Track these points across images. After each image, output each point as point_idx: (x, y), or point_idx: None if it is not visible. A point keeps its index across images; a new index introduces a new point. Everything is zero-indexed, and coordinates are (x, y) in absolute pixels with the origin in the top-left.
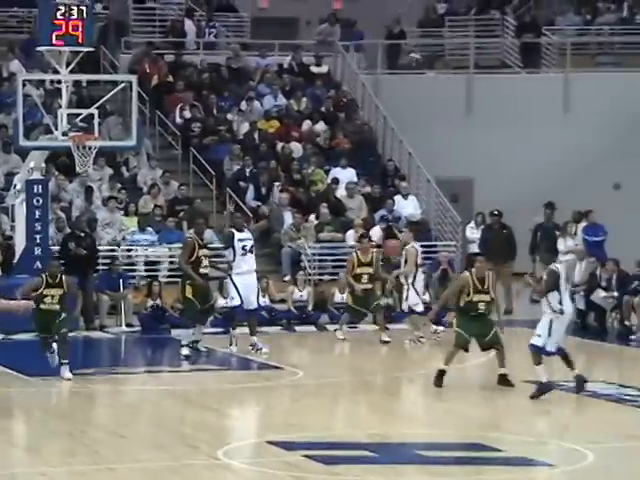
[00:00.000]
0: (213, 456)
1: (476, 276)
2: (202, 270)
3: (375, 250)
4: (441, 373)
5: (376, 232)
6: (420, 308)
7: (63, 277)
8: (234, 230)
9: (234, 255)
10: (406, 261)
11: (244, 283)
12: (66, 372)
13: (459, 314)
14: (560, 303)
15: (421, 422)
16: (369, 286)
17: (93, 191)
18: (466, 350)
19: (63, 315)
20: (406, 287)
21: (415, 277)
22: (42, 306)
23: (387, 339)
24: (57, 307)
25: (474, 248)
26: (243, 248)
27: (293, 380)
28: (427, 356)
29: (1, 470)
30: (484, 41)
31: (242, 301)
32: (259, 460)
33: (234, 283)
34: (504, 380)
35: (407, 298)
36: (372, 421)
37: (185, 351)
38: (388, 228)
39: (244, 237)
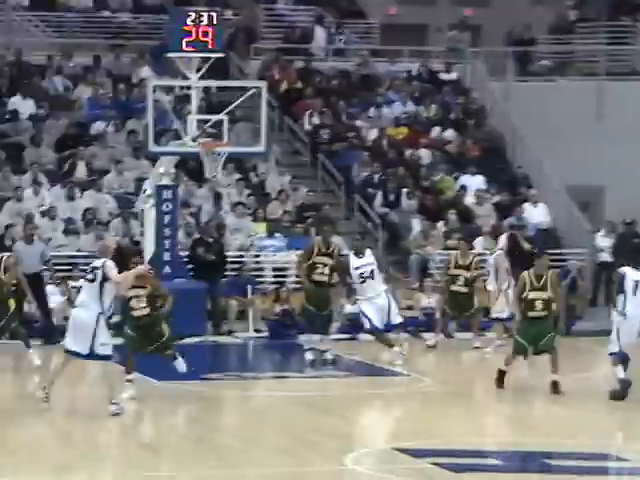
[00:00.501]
0: (340, 462)
1: (534, 273)
2: (316, 277)
3: (476, 253)
4: (501, 374)
5: (502, 240)
6: (505, 315)
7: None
8: (352, 255)
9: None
10: (497, 270)
11: (372, 307)
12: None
13: (520, 318)
14: (624, 307)
15: (548, 430)
16: (464, 290)
17: (222, 197)
18: (525, 357)
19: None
20: (496, 294)
21: (509, 284)
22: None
23: (479, 345)
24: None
25: (604, 256)
26: (361, 276)
27: (420, 387)
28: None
29: (131, 472)
30: (615, 48)
31: (374, 325)
32: (386, 467)
33: (361, 309)
34: (554, 387)
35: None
36: (500, 429)
37: (309, 356)
38: (512, 236)
39: (362, 264)
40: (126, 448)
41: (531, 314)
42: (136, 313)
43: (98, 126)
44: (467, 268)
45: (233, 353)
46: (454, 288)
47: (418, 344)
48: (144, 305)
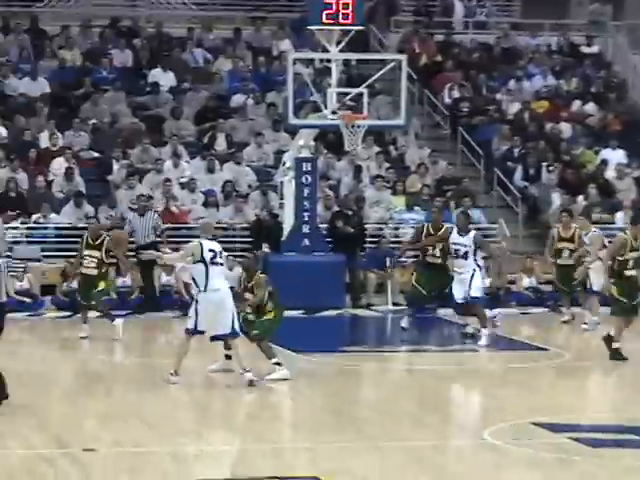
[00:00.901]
0: (478, 436)
1: (632, 236)
2: (429, 259)
3: (578, 226)
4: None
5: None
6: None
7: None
8: (455, 231)
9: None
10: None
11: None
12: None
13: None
14: None
15: None
16: (570, 262)
17: (361, 170)
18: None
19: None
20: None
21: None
22: None
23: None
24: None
25: None
26: (455, 252)
27: (559, 361)
28: None
29: (268, 445)
30: None
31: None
32: (524, 441)
33: None
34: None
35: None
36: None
37: (404, 323)
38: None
39: (460, 242)
40: (264, 420)
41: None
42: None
43: (238, 99)
44: (571, 240)
45: (371, 326)
46: (560, 262)
47: (558, 318)
48: None
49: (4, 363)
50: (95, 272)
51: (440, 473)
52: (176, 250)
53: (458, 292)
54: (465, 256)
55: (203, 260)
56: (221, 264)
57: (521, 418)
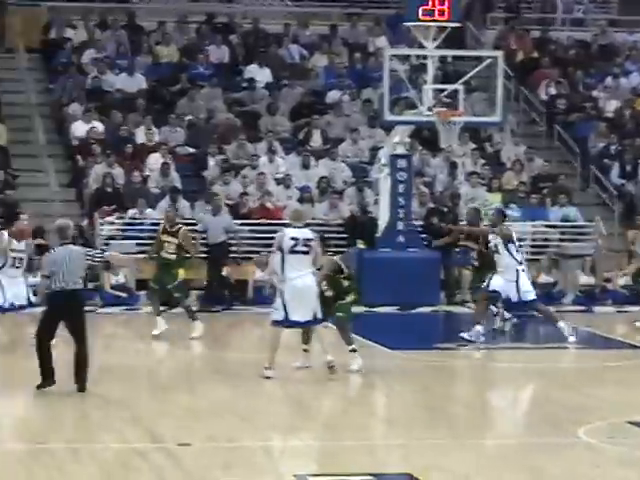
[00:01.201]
0: (574, 434)
1: None
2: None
3: None
4: None
5: None
6: None
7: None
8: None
9: None
10: None
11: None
12: None
13: None
14: None
15: None
16: None
17: (457, 166)
18: None
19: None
20: None
21: None
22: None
23: None
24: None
25: None
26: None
27: None
28: None
29: (362, 441)
30: None
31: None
32: (620, 440)
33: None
34: None
35: None
36: None
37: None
38: None
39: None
40: (356, 415)
41: None
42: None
43: (334, 95)
44: None
45: (466, 323)
46: None
47: None
48: None
49: (99, 357)
50: (174, 257)
51: (534, 471)
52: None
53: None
54: (497, 250)
55: (281, 249)
56: (304, 252)
57: (617, 417)
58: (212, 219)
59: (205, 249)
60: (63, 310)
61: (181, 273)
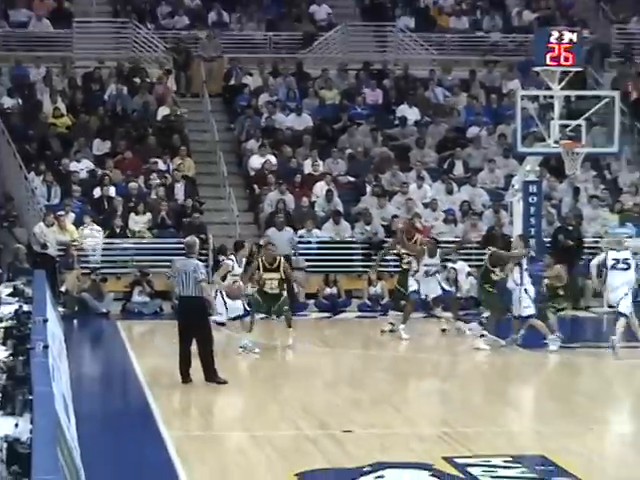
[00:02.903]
0: None
1: None
2: None
3: None
4: None
5: None
6: None
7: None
8: None
9: None
10: None
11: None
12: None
13: None
14: None
15: None
16: None
17: (580, 191)
18: None
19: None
20: None
21: None
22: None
23: None
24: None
25: None
26: None
27: None
28: None
29: (500, 428)
30: None
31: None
32: None
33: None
34: None
35: None
36: None
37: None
38: None
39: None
40: (497, 405)
41: None
42: None
43: (473, 130)
44: None
45: (589, 326)
46: None
47: None
48: None
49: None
50: (277, 291)
51: None
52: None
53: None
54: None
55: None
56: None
57: None
58: (276, 234)
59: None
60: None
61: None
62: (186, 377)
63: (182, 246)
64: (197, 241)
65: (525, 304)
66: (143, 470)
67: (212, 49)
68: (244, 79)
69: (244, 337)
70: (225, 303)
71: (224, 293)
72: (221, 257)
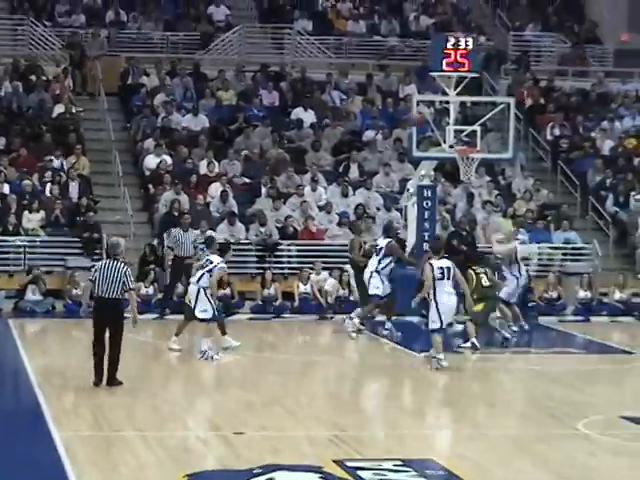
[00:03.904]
0: (574, 427)
1: None
2: None
3: None
4: None
5: None
6: None
7: None
8: None
9: None
10: None
11: None
12: None
13: None
14: None
15: None
16: None
17: (474, 196)
18: None
19: None
20: None
21: None
22: None
23: None
24: None
25: None
26: None
27: None
28: None
29: (392, 430)
30: None
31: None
32: (614, 432)
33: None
34: None
35: None
36: None
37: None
38: None
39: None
40: (389, 409)
41: None
42: None
43: (369, 134)
44: None
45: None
46: None
47: None
48: None
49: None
50: None
51: (537, 458)
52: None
53: None
54: None
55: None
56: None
57: (610, 412)
58: (182, 235)
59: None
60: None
61: None
62: (99, 378)
63: (76, 244)
64: (121, 241)
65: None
66: (32, 470)
67: (96, 48)
68: (141, 79)
69: (206, 342)
70: (209, 301)
71: (208, 291)
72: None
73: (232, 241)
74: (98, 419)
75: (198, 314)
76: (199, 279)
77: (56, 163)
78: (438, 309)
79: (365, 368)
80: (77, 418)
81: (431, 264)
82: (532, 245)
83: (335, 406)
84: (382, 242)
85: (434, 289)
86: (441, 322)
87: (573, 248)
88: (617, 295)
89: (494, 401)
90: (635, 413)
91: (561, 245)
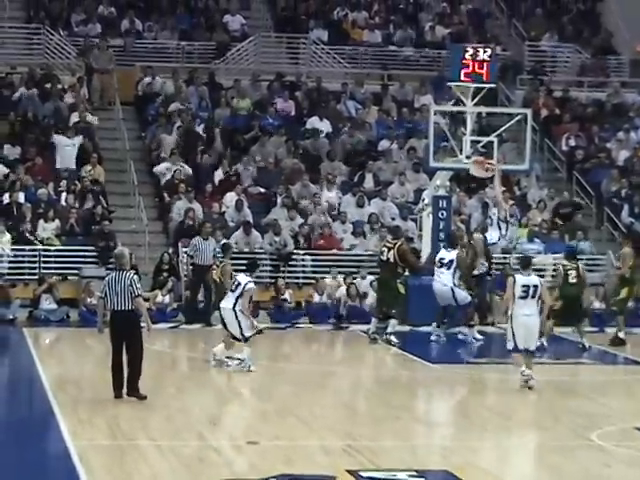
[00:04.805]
0: (588, 438)
1: None
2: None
3: None
4: None
5: None
6: None
7: None
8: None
9: None
10: None
11: None
12: None
13: None
14: None
15: None
16: None
17: (489, 206)
18: None
19: None
20: None
21: None
22: None
23: None
24: None
25: None
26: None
27: None
28: None
29: (405, 442)
30: None
31: None
32: (628, 443)
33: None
34: None
35: None
36: None
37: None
38: None
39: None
40: (403, 420)
41: None
42: None
43: (384, 144)
44: None
45: (496, 342)
46: None
47: None
48: None
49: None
50: None
51: (553, 469)
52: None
53: None
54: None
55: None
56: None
57: (625, 423)
58: (202, 243)
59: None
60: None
61: None
62: (119, 391)
63: (90, 253)
64: (126, 252)
65: None
66: (47, 479)
67: (105, 60)
68: (156, 87)
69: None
70: (249, 318)
71: (245, 312)
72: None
73: (247, 250)
74: (112, 428)
75: (246, 334)
76: (234, 305)
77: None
78: (513, 330)
79: (380, 379)
80: (92, 427)
81: (514, 279)
82: (547, 255)
83: (348, 416)
84: (449, 254)
85: (512, 307)
86: (515, 344)
87: (587, 259)
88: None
89: (509, 412)
90: None
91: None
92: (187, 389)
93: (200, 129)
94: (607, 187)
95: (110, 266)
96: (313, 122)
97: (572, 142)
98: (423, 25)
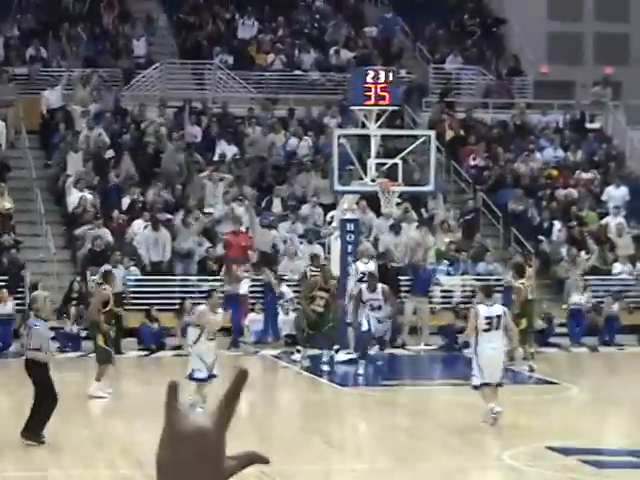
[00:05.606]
0: (499, 458)
1: None
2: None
3: None
4: None
5: None
6: None
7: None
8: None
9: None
10: None
11: None
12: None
13: None
14: None
15: None
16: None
17: (400, 227)
18: None
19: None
20: None
21: None
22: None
23: None
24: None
25: None
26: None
27: (568, 394)
28: None
29: (317, 466)
30: None
31: None
32: (539, 463)
33: None
34: None
35: None
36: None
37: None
38: None
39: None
40: (312, 444)
41: None
42: None
43: (292, 167)
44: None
45: (406, 364)
46: None
47: (568, 356)
48: None
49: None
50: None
51: None
52: None
53: None
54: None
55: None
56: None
57: (536, 442)
58: None
59: None
60: None
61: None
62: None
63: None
64: (41, 295)
65: None
66: None
67: (7, 92)
68: (61, 116)
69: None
70: None
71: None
72: None
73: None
74: (22, 458)
75: None
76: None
77: None
78: (480, 365)
79: (288, 402)
80: (1, 457)
81: (477, 311)
82: (455, 277)
83: (260, 440)
84: None
85: (476, 340)
86: (482, 379)
87: (495, 279)
88: (539, 324)
89: (419, 433)
90: (561, 443)
91: (484, 277)
92: (104, 416)
93: (108, 154)
94: (513, 207)
95: (18, 295)
96: (221, 146)
97: (478, 163)
98: (328, 49)
